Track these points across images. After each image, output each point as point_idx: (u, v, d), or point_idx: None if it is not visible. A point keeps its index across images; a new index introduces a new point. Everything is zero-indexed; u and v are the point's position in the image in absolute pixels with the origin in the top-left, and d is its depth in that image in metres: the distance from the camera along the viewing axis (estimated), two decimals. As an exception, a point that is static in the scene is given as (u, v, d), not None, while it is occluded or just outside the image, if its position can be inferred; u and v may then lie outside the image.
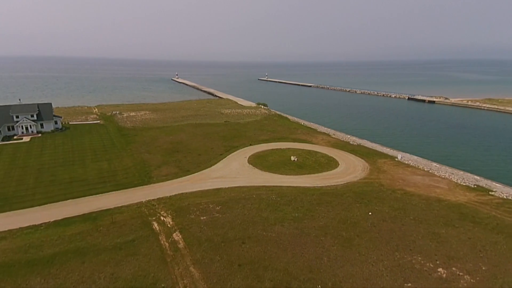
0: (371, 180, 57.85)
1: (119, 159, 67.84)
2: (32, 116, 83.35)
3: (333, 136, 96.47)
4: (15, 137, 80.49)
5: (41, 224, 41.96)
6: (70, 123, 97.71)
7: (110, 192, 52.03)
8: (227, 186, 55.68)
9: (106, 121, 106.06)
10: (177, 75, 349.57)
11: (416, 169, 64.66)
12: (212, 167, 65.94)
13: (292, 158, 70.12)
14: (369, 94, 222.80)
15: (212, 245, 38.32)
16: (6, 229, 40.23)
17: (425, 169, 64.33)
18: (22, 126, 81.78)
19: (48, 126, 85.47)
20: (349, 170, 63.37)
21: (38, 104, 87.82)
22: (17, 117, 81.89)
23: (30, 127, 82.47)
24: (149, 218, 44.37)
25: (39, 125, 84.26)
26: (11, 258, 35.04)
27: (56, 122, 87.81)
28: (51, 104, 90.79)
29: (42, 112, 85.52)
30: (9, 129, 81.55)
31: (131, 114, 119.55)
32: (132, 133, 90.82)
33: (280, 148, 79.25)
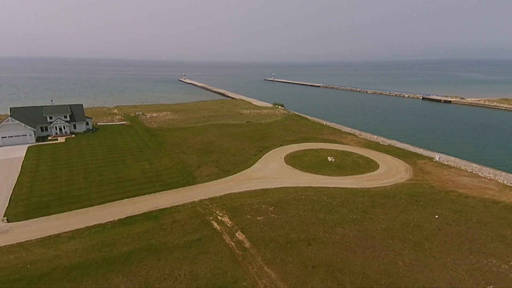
0: (418, 181, 57.14)
1: (157, 160, 67.23)
2: (65, 117, 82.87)
3: (360, 136, 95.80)
4: (49, 138, 79.97)
5: (107, 222, 41.81)
6: (98, 124, 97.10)
7: (161, 192, 51.80)
8: (273, 187, 55.08)
9: (132, 122, 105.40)
10: (184, 75, 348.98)
11: (459, 170, 63.96)
12: (251, 167, 65.30)
13: (329, 159, 69.46)
14: (381, 94, 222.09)
15: (278, 246, 37.86)
16: (73, 229, 39.95)
17: (468, 170, 63.62)
18: (56, 127, 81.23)
19: (81, 127, 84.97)
20: (392, 171, 62.66)
21: (70, 105, 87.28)
22: (51, 118, 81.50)
23: (64, 128, 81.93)
24: (207, 218, 44.05)
25: (72, 126, 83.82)
26: (86, 257, 34.67)
27: (87, 123, 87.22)
28: (82, 105, 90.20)
29: (75, 113, 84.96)
30: (42, 130, 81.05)
31: (154, 115, 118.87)
32: (160, 134, 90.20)
33: (313, 149, 78.55)
